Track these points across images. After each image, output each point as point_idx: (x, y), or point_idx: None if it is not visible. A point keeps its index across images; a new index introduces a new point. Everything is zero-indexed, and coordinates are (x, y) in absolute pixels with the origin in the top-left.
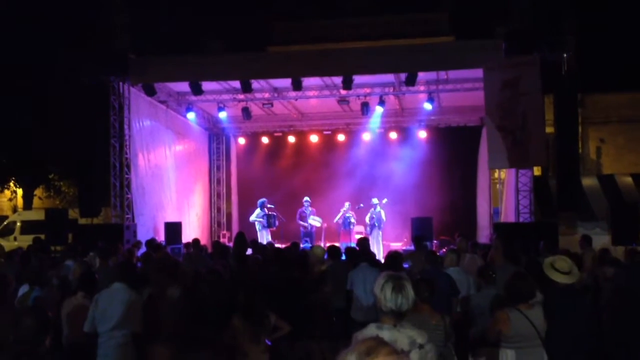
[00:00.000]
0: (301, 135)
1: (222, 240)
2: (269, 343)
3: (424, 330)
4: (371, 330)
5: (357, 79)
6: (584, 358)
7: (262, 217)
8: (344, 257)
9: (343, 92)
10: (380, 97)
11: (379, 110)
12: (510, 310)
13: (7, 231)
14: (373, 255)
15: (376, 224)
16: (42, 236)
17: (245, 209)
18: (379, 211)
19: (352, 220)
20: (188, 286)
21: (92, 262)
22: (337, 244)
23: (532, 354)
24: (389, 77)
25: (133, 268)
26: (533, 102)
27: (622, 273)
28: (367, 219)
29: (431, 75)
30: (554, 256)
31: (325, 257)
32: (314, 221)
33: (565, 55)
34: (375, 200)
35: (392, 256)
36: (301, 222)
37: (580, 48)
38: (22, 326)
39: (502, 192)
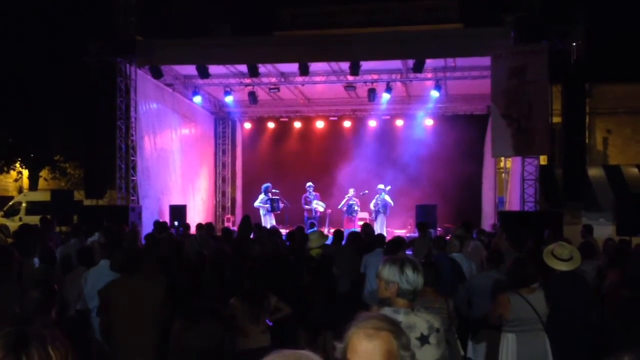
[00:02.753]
0: (307, 120)
1: (226, 224)
2: (270, 323)
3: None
4: (386, 313)
5: (364, 65)
6: (585, 343)
7: (266, 202)
8: (344, 242)
9: (350, 78)
10: (387, 83)
11: (385, 96)
12: (511, 294)
13: (13, 211)
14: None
15: (381, 210)
16: (49, 217)
17: (250, 194)
18: (384, 197)
19: (356, 207)
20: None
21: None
22: (341, 229)
23: (533, 338)
24: (396, 64)
25: (118, 244)
26: (539, 91)
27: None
28: (371, 205)
29: (439, 62)
30: (554, 243)
31: (329, 242)
32: (318, 205)
33: (574, 44)
34: (381, 186)
35: (394, 241)
36: (306, 207)
37: (590, 38)
38: (28, 298)
39: (508, 181)
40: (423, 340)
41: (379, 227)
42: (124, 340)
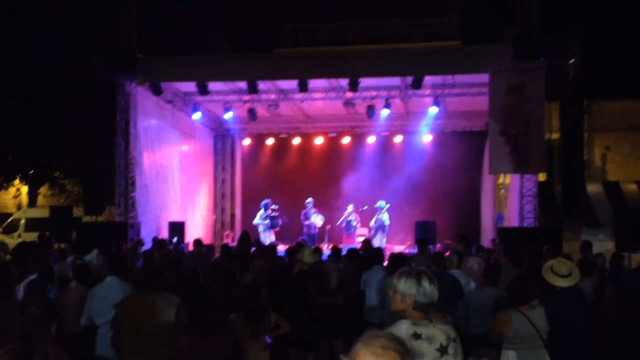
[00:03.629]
0: (306, 137)
1: (225, 240)
2: (269, 341)
3: None
4: (405, 325)
5: (363, 81)
6: (585, 359)
7: (265, 218)
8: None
9: (349, 94)
10: (386, 100)
11: (384, 113)
12: (511, 311)
13: (12, 228)
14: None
15: (380, 228)
16: (48, 233)
17: (250, 210)
18: (383, 216)
19: (354, 223)
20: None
21: (97, 259)
22: (338, 246)
23: (534, 355)
24: (395, 80)
25: (124, 261)
26: (536, 109)
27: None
28: (372, 223)
29: (437, 79)
30: (553, 259)
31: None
32: (317, 219)
33: (572, 61)
34: (381, 204)
35: (396, 258)
36: (305, 222)
37: (587, 54)
38: (27, 314)
39: (506, 197)
40: (442, 351)
41: (379, 245)
42: (135, 354)
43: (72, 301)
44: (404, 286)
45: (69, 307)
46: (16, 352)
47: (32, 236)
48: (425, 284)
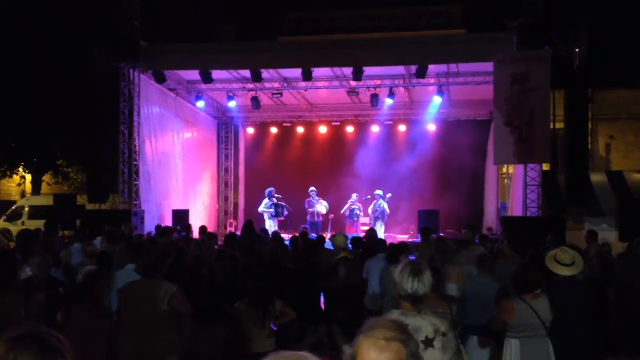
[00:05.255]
0: (310, 126)
1: (229, 229)
2: (275, 328)
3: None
4: (394, 315)
5: (367, 70)
6: (589, 348)
7: (270, 206)
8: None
9: (353, 83)
10: (390, 89)
11: (388, 102)
12: (515, 300)
13: (15, 216)
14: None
15: (379, 217)
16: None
17: (253, 199)
18: (382, 204)
19: (357, 212)
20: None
21: (101, 246)
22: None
23: (537, 344)
24: (399, 69)
25: (143, 249)
26: (541, 99)
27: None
28: (369, 211)
29: (441, 67)
30: (556, 248)
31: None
32: (321, 206)
33: (576, 50)
34: (379, 192)
35: (396, 247)
36: (309, 209)
37: (592, 43)
38: (33, 301)
39: (510, 186)
40: (427, 343)
41: (378, 233)
42: (135, 340)
43: None
44: (398, 277)
45: None
46: (29, 337)
47: (35, 224)
48: (405, 275)
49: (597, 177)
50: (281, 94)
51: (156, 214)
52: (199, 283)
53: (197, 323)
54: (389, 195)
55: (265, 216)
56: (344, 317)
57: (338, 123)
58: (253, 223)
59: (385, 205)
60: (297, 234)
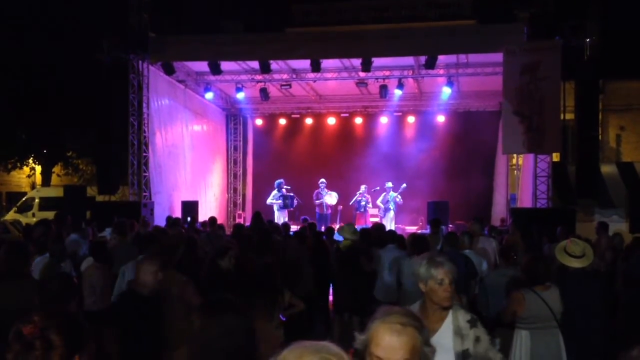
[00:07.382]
0: (318, 117)
1: (237, 220)
2: (284, 319)
3: None
4: (416, 307)
5: (376, 61)
6: (599, 340)
7: (279, 198)
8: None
9: (362, 74)
10: (399, 80)
11: (397, 93)
12: (525, 291)
13: (26, 207)
14: (399, 236)
15: (391, 207)
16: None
17: (261, 190)
18: (394, 195)
19: (364, 202)
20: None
21: (110, 237)
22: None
23: (547, 335)
24: (409, 60)
25: (152, 241)
26: (552, 88)
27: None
28: (378, 202)
29: (451, 58)
30: (567, 240)
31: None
32: (330, 198)
33: (587, 40)
34: (389, 184)
35: (419, 238)
36: (317, 201)
37: (603, 34)
38: (47, 291)
39: (520, 177)
40: (472, 323)
41: (388, 224)
42: None
43: (87, 279)
44: (428, 268)
45: (85, 284)
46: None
47: (46, 215)
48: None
49: (607, 169)
50: (290, 86)
51: (166, 205)
52: (209, 275)
53: (206, 315)
54: (403, 185)
55: (275, 207)
56: (352, 307)
57: (347, 114)
58: (261, 214)
59: (398, 197)
60: (304, 225)
